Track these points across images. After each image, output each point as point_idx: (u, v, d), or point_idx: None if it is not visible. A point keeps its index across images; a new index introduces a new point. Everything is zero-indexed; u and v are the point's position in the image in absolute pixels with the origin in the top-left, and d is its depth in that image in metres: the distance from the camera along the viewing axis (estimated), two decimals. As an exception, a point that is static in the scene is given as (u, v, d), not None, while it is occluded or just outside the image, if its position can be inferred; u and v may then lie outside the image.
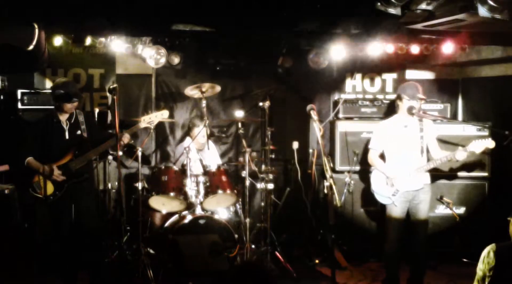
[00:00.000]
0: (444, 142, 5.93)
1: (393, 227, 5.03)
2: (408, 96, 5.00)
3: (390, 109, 6.32)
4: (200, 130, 5.80)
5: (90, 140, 4.91)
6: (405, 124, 5.07)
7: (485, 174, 6.08)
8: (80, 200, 4.89)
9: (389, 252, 5.07)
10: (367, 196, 6.09)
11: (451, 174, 6.04)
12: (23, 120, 5.68)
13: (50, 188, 4.77)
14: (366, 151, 5.81)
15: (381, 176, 5.11)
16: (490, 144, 4.90)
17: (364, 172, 6.12)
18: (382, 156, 5.23)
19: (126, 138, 4.94)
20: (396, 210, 5.00)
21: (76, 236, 4.86)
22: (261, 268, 2.50)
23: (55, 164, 4.78)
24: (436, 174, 5.82)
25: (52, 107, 5.77)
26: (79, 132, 4.91)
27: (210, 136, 5.78)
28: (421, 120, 5.08)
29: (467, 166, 5.99)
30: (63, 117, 4.91)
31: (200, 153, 6.07)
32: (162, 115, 5.16)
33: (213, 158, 6.19)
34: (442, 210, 6.02)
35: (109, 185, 5.89)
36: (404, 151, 5.02)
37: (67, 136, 4.89)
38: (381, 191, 5.09)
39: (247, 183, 5.58)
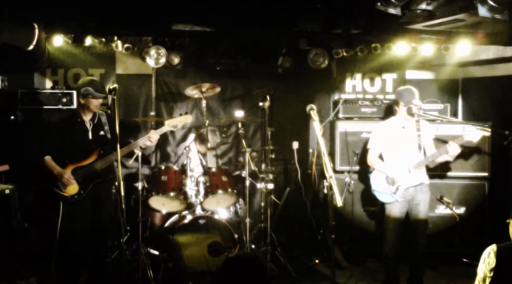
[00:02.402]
0: (444, 142, 5.92)
1: (392, 227, 5.04)
2: (404, 102, 5.04)
3: (390, 109, 6.32)
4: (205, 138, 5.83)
5: (112, 141, 4.91)
6: (403, 126, 5.11)
7: (485, 174, 6.08)
8: (103, 201, 4.93)
9: (388, 252, 5.08)
10: (367, 196, 6.08)
11: (451, 174, 6.04)
12: (45, 121, 5.68)
13: (75, 187, 4.78)
14: (365, 151, 5.81)
15: (381, 175, 5.12)
16: (487, 131, 4.93)
17: (364, 172, 6.12)
18: (380, 157, 5.25)
19: (156, 136, 5.01)
20: (395, 210, 5.01)
21: (91, 236, 4.88)
22: (257, 262, 2.51)
23: (80, 163, 4.81)
24: (436, 174, 5.86)
25: (52, 107, 5.78)
26: (102, 133, 4.95)
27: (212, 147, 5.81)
28: (418, 121, 5.11)
29: (467, 166, 5.99)
30: (87, 117, 4.93)
31: (199, 155, 6.07)
32: (186, 119, 5.21)
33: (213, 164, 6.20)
34: (442, 210, 6.02)
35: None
36: (402, 151, 5.05)
37: (90, 137, 4.92)
38: (382, 189, 5.10)
39: (247, 183, 5.59)
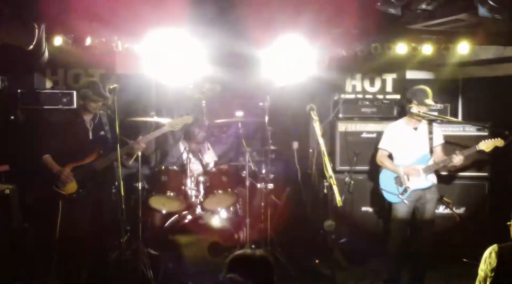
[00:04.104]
0: (444, 141, 5.94)
1: (398, 226, 5.07)
2: (417, 101, 5.03)
3: (390, 109, 6.33)
4: (198, 131, 5.84)
5: (113, 141, 4.91)
6: (415, 127, 5.12)
7: (485, 174, 6.09)
8: (102, 200, 4.94)
9: (392, 252, 5.10)
10: (367, 196, 6.10)
11: (451, 174, 6.04)
12: (45, 121, 5.67)
13: (73, 186, 4.79)
14: (366, 150, 5.83)
15: (390, 175, 5.13)
16: (500, 142, 4.96)
17: (364, 172, 6.13)
18: (389, 156, 5.27)
19: (143, 144, 5.02)
20: (402, 210, 5.03)
21: (91, 235, 4.88)
22: (267, 262, 2.52)
23: (80, 162, 4.82)
24: (436, 174, 5.85)
25: (52, 107, 5.77)
26: (102, 132, 4.97)
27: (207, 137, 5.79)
28: (431, 124, 5.11)
29: (467, 166, 5.99)
30: (87, 117, 4.95)
31: (198, 154, 6.05)
32: (187, 120, 5.23)
33: (211, 157, 6.19)
34: (442, 210, 6.02)
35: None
36: (413, 151, 5.07)
37: (90, 136, 4.94)
38: (390, 189, 5.11)
39: (247, 183, 5.59)
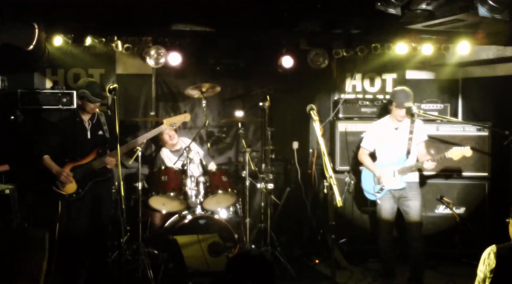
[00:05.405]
0: (444, 142, 5.95)
1: (383, 224, 5.17)
2: (396, 103, 5.06)
3: (386, 109, 6.33)
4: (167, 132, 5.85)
5: (111, 141, 4.92)
6: (396, 127, 5.17)
7: (485, 174, 6.08)
8: (102, 199, 4.94)
9: (382, 245, 5.23)
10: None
11: (451, 174, 6.04)
12: (45, 121, 5.67)
13: (73, 186, 4.80)
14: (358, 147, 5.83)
15: (370, 174, 5.25)
16: (467, 152, 4.96)
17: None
18: (373, 155, 5.34)
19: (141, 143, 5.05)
20: (385, 207, 5.13)
21: (91, 235, 4.88)
22: (264, 259, 2.52)
23: (79, 162, 4.83)
24: (436, 174, 5.87)
25: (52, 107, 5.77)
26: (101, 132, 4.98)
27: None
28: (413, 123, 5.10)
29: (467, 166, 5.99)
30: (86, 117, 4.96)
31: (197, 154, 6.04)
32: (184, 118, 5.24)
33: (200, 153, 6.15)
34: (442, 210, 6.03)
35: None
36: (391, 152, 5.13)
37: (89, 136, 4.94)
38: (368, 188, 5.26)
39: (247, 183, 5.59)
